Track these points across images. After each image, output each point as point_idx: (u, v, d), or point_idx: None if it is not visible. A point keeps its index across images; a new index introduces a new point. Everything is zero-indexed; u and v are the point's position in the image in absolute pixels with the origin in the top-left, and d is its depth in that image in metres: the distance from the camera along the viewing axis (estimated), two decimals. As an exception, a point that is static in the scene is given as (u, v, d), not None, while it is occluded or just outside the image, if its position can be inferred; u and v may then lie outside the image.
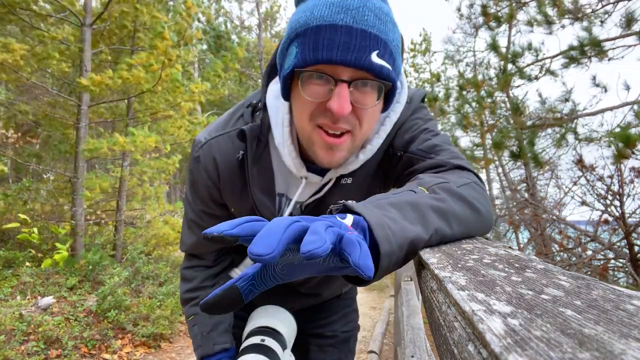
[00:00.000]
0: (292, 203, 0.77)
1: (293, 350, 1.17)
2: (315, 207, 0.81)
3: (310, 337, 1.12)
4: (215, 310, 0.38)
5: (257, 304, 0.98)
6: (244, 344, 0.80)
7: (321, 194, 0.79)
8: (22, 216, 4.37)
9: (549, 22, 5.21)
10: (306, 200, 0.81)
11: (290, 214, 0.83)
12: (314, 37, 0.57)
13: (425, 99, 0.84)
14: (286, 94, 0.68)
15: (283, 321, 0.87)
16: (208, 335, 0.88)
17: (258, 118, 0.77)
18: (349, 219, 0.42)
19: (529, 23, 5.51)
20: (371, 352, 3.53)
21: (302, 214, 0.81)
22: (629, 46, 4.71)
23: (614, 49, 4.70)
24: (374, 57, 0.57)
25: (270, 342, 0.79)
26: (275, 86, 0.77)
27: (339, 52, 0.56)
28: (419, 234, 0.45)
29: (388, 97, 0.67)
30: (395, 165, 0.76)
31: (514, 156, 5.16)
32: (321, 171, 0.76)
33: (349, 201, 0.46)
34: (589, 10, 4.98)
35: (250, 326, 0.88)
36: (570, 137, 4.90)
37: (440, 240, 0.49)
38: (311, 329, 1.12)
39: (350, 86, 0.59)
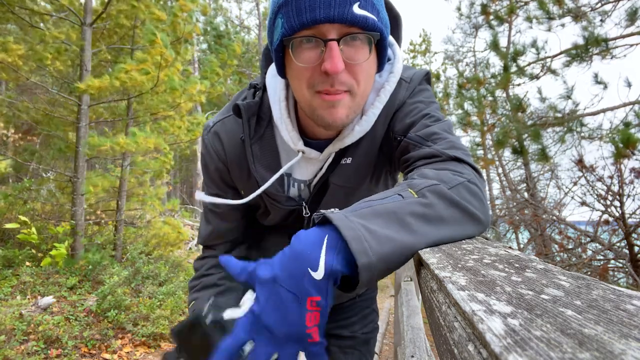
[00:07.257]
0: (280, 172, 0.77)
1: None
2: (321, 187, 0.83)
3: (330, 339, 1.12)
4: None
5: None
6: None
7: (322, 171, 0.80)
8: (23, 218, 4.36)
9: (549, 18, 5.21)
10: (312, 179, 0.83)
11: (299, 195, 0.85)
12: (296, 3, 0.59)
13: (430, 78, 0.84)
14: (281, 69, 0.69)
15: None
16: None
17: (258, 97, 0.80)
18: (322, 262, 0.42)
19: (529, 19, 5.51)
20: (371, 351, 3.52)
21: (310, 194, 0.84)
22: (631, 45, 4.71)
23: (615, 48, 4.69)
24: (356, 9, 0.59)
25: None
26: (273, 66, 0.79)
27: (321, 11, 0.57)
28: (403, 243, 0.45)
29: (380, 53, 0.68)
30: (394, 149, 0.76)
31: (516, 152, 5.15)
32: (320, 147, 0.78)
33: (330, 211, 0.46)
34: (588, 10, 4.97)
35: None
36: (571, 137, 4.90)
37: (429, 246, 0.48)
38: (330, 329, 1.12)
39: (340, 43, 0.60)
